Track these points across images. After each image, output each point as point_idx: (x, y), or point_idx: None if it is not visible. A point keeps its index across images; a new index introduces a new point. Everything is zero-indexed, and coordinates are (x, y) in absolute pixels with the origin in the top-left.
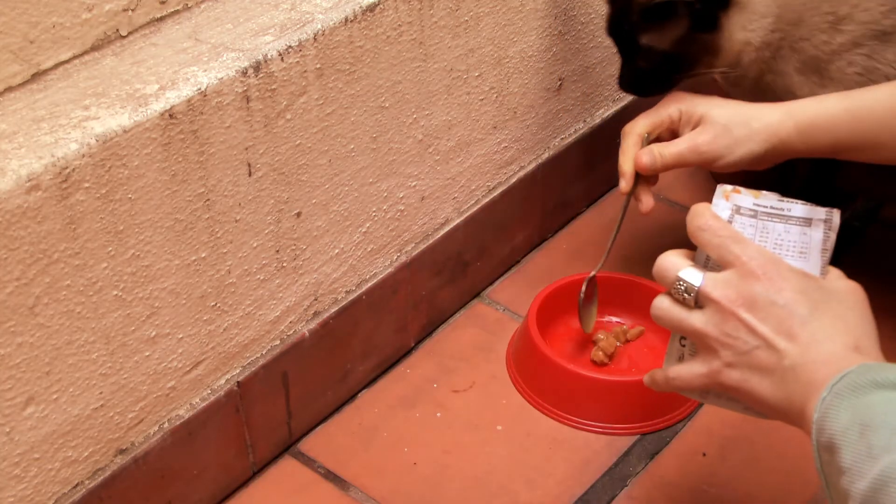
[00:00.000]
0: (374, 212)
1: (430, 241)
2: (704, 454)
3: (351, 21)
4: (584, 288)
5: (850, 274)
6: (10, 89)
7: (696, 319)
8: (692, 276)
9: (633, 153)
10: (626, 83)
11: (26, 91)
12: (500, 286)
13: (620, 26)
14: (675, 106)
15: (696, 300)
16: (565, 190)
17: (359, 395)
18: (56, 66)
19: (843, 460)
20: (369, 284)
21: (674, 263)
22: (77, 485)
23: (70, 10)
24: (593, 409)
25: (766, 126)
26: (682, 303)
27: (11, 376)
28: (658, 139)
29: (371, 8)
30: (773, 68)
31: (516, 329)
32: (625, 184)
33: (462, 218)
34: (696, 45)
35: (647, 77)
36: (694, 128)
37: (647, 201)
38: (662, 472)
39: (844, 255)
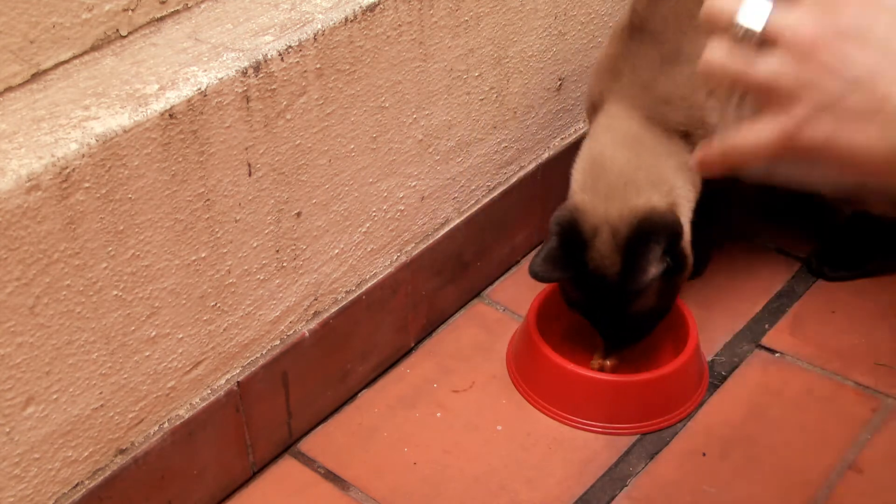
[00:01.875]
0: (374, 212)
1: (430, 241)
2: (704, 454)
3: (351, 21)
4: None
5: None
6: (10, 89)
7: (767, 64)
8: (758, 5)
9: None
10: (624, 344)
11: (26, 91)
12: (500, 286)
13: (607, 307)
14: None
15: (765, 39)
16: (565, 190)
17: (359, 395)
18: (56, 66)
19: None
20: (369, 284)
21: None
22: (77, 485)
23: (70, 10)
24: (593, 409)
25: None
26: (745, 45)
27: (11, 376)
28: None
29: (371, 8)
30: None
31: (516, 329)
32: None
33: (462, 218)
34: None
35: (638, 329)
36: None
37: None
38: (662, 472)
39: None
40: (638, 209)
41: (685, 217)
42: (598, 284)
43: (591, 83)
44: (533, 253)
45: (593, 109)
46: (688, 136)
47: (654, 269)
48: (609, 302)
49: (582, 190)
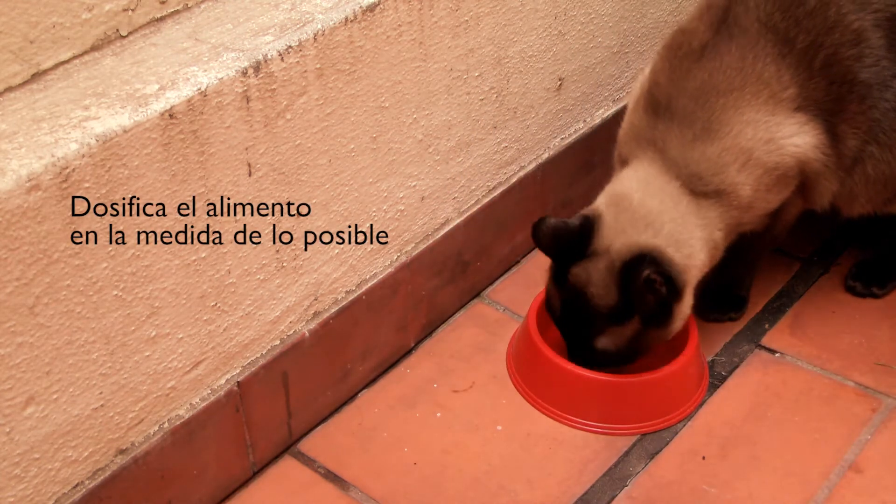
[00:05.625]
0: (374, 212)
1: (430, 241)
2: (704, 458)
3: (351, 21)
4: None
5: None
6: (10, 89)
7: None
8: None
9: None
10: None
11: (26, 91)
12: (500, 286)
13: (576, 327)
14: None
15: None
16: (565, 190)
17: (359, 395)
18: (56, 66)
19: None
20: (369, 284)
21: None
22: (77, 485)
23: (70, 10)
24: (593, 409)
25: None
26: None
27: (11, 376)
28: None
29: (371, 8)
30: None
31: (516, 329)
32: None
33: (462, 218)
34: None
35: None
36: None
37: None
38: (662, 472)
39: (847, 252)
40: (644, 244)
41: (690, 286)
42: (576, 302)
43: (618, 147)
44: (533, 253)
45: (622, 164)
46: (719, 195)
47: (653, 280)
48: (579, 323)
49: (606, 206)
